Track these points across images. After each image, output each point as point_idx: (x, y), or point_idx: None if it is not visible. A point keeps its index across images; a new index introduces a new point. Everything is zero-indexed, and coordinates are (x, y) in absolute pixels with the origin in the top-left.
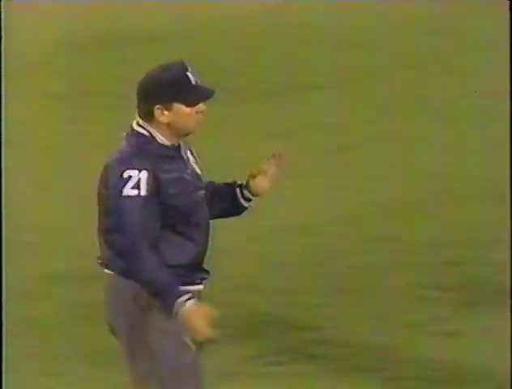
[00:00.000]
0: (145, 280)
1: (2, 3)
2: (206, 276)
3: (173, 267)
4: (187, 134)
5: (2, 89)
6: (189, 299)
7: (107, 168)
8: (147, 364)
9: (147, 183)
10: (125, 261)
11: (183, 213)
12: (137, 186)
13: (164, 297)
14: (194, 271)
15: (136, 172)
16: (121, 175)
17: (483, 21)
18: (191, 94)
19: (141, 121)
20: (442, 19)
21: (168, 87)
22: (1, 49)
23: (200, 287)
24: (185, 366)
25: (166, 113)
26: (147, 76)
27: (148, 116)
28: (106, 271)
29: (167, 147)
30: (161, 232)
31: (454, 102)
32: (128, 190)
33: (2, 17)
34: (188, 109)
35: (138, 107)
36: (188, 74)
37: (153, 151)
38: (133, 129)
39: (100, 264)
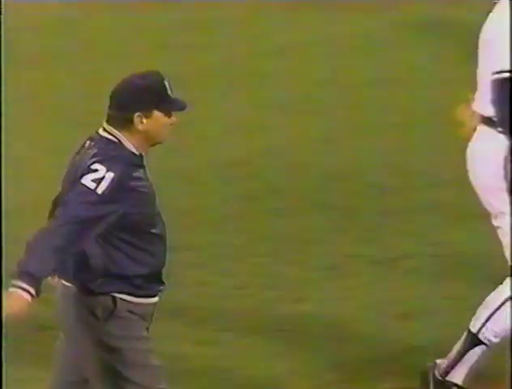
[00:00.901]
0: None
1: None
2: (162, 288)
3: (131, 277)
4: (156, 144)
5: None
6: (23, 289)
7: (72, 172)
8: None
9: (108, 187)
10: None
11: (146, 223)
12: (98, 182)
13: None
14: (152, 282)
15: (104, 169)
16: (89, 165)
17: None
18: (170, 103)
19: (108, 128)
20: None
21: (149, 95)
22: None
23: (155, 299)
24: (152, 368)
25: (145, 121)
26: (124, 84)
27: (124, 123)
28: (64, 282)
29: (135, 155)
30: (120, 243)
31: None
32: (88, 181)
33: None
34: (166, 118)
35: (111, 114)
36: (165, 83)
37: (125, 157)
38: (100, 135)
39: (59, 275)
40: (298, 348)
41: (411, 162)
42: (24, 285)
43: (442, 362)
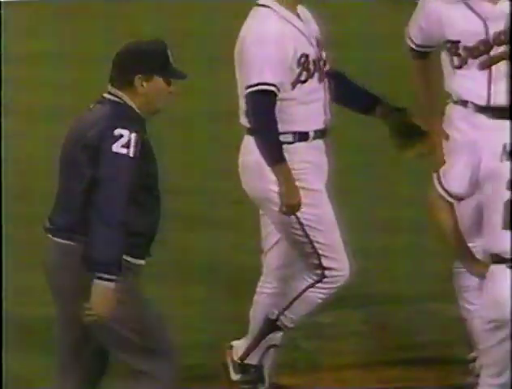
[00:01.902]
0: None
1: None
2: (150, 254)
3: (135, 235)
4: (154, 113)
5: None
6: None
7: (79, 132)
8: (83, 330)
9: (136, 145)
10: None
11: (155, 183)
12: (127, 146)
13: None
14: (149, 244)
15: (127, 132)
16: (113, 133)
17: None
18: (170, 71)
19: (113, 90)
20: None
21: (151, 60)
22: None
23: (143, 262)
24: (153, 317)
25: (145, 84)
26: (128, 47)
27: (126, 85)
28: (55, 238)
29: (141, 115)
30: (132, 203)
31: None
32: (118, 148)
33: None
34: (165, 85)
35: (114, 76)
36: (168, 51)
37: (138, 118)
38: (104, 97)
39: (49, 231)
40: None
41: None
42: (109, 276)
43: (237, 345)
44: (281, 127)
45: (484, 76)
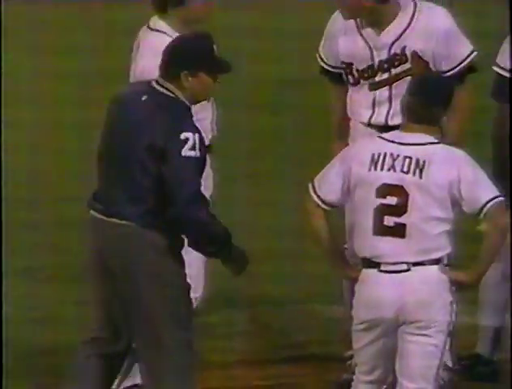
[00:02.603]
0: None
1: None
2: None
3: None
4: (199, 102)
5: None
6: None
7: (137, 128)
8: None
9: (200, 145)
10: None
11: None
12: (193, 148)
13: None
14: None
15: (191, 134)
16: (179, 137)
17: None
18: (215, 66)
19: (161, 81)
20: None
21: (196, 57)
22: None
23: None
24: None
25: (190, 79)
26: (175, 42)
27: (172, 79)
28: (114, 220)
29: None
30: None
31: None
32: (186, 151)
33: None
34: (209, 79)
35: (163, 69)
36: (214, 46)
37: (191, 115)
38: (155, 89)
39: (105, 213)
40: None
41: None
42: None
43: None
44: None
45: (370, 97)
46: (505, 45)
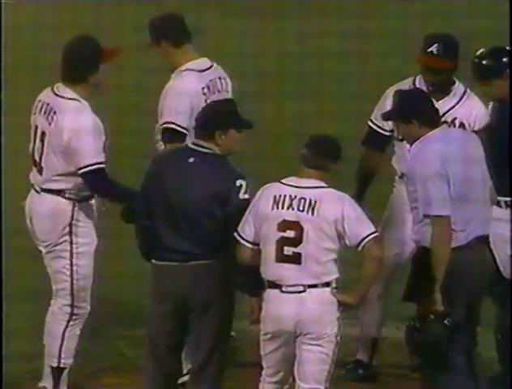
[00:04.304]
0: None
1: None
2: None
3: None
4: (230, 154)
5: None
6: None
7: (200, 184)
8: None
9: (247, 189)
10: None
11: None
12: (246, 192)
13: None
14: None
15: (242, 180)
16: (235, 184)
17: None
18: (242, 123)
19: (200, 142)
20: None
21: (226, 118)
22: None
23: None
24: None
25: (223, 137)
26: (207, 108)
27: (208, 138)
28: (192, 262)
29: None
30: None
31: None
32: (243, 195)
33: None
34: (238, 134)
35: (199, 131)
36: (238, 107)
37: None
38: (198, 151)
39: (179, 259)
40: None
41: None
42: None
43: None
44: None
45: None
46: (381, 102)
